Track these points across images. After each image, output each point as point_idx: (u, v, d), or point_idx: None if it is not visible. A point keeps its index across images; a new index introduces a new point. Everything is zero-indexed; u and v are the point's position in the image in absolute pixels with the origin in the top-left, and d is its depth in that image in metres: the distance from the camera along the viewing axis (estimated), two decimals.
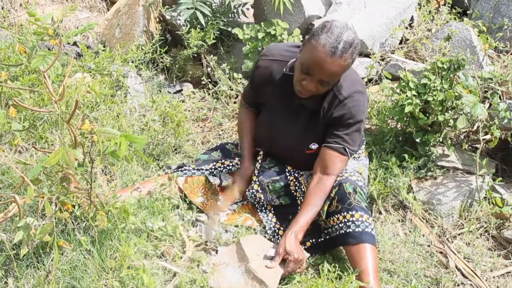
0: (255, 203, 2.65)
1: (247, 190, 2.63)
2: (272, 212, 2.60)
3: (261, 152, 2.68)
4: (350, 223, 2.27)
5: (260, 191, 2.59)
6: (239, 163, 2.70)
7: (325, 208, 2.35)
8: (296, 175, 2.61)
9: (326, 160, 2.37)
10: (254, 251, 2.26)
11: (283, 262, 2.23)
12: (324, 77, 2.15)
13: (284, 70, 2.41)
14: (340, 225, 2.30)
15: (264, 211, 2.61)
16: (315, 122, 2.41)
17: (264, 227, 2.54)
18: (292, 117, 2.46)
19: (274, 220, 2.55)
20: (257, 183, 2.59)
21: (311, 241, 2.43)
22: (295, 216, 2.39)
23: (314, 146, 2.45)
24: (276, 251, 2.25)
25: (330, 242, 2.38)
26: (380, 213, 2.83)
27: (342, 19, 3.66)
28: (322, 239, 2.42)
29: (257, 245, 2.31)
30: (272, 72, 2.45)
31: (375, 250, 2.27)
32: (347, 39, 2.10)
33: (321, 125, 2.40)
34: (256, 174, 2.62)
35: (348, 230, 2.27)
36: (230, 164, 2.71)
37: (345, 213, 2.29)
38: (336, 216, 2.32)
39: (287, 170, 2.63)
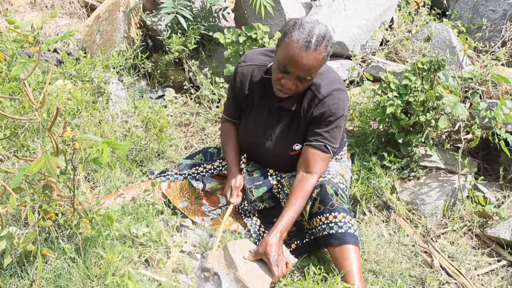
0: (239, 208, 2.63)
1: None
2: (256, 215, 2.60)
3: (243, 157, 2.67)
4: (333, 224, 2.27)
5: (244, 197, 2.58)
6: (220, 165, 2.70)
7: (307, 208, 2.35)
8: (279, 178, 2.62)
9: (308, 158, 2.38)
10: (241, 257, 2.25)
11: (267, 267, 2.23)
12: (301, 72, 2.16)
13: (264, 74, 2.42)
14: (322, 226, 2.30)
15: (248, 215, 2.61)
16: (296, 123, 2.42)
17: (249, 231, 2.53)
18: (274, 120, 2.46)
19: (258, 223, 2.55)
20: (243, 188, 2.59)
21: (296, 242, 2.42)
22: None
23: (297, 147, 2.46)
24: (256, 249, 2.26)
25: (314, 242, 2.38)
26: (364, 214, 2.84)
27: (320, 21, 3.73)
28: (307, 239, 2.41)
29: (244, 250, 2.29)
30: (251, 77, 2.47)
31: (358, 251, 2.27)
32: (320, 32, 2.12)
33: (303, 125, 2.41)
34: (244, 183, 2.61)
35: (331, 231, 2.27)
36: (212, 167, 2.69)
37: (328, 214, 2.28)
38: (318, 217, 2.32)
39: (269, 174, 2.62)
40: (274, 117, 2.46)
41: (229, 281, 2.17)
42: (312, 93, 2.33)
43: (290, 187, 2.44)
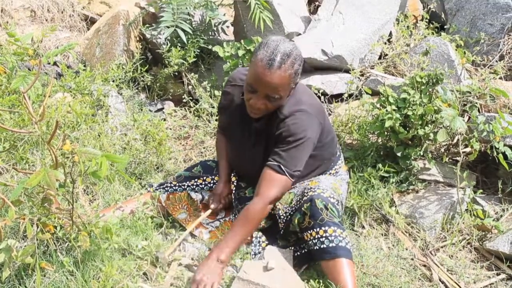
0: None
1: (231, 213, 2.65)
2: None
3: (234, 179, 2.68)
4: (323, 238, 2.24)
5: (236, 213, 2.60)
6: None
7: (295, 222, 2.32)
8: None
9: (261, 179, 2.34)
10: (261, 276, 2.18)
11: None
12: (268, 91, 2.18)
13: (241, 95, 2.42)
14: (314, 241, 2.26)
15: None
16: (272, 143, 2.39)
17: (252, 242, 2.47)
18: (252, 141, 2.47)
19: (263, 239, 2.49)
20: (236, 208, 2.60)
21: (297, 253, 2.42)
22: (281, 236, 2.45)
23: None
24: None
25: (308, 255, 2.37)
26: (363, 227, 2.83)
27: (318, 34, 3.74)
28: (304, 250, 2.40)
29: (255, 268, 2.22)
30: (234, 98, 2.51)
31: (352, 264, 2.24)
32: (285, 50, 2.15)
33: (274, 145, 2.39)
34: (234, 199, 2.63)
35: (322, 246, 2.24)
36: (212, 181, 2.70)
37: (318, 229, 2.25)
38: (309, 232, 2.28)
39: None
40: (253, 137, 2.47)
41: None
42: (276, 113, 2.33)
43: (281, 203, 2.43)
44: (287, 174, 2.30)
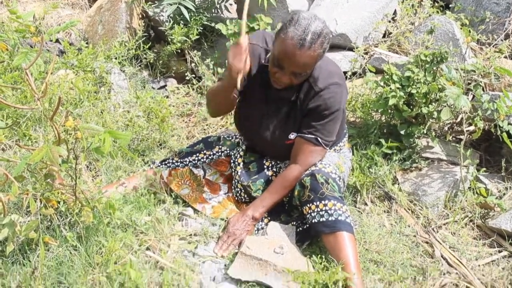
0: (239, 200, 2.66)
1: (233, 187, 2.66)
2: None
3: (241, 149, 2.69)
4: (323, 212, 2.26)
5: (243, 190, 2.61)
6: (219, 151, 2.74)
7: (296, 194, 2.38)
8: (275, 169, 2.62)
9: (297, 149, 2.41)
10: (266, 252, 2.23)
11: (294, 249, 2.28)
12: (295, 69, 2.17)
13: (263, 61, 2.41)
14: (312, 214, 2.28)
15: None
16: (293, 113, 2.42)
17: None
18: (271, 107, 2.46)
19: (265, 214, 2.52)
20: (240, 183, 2.61)
21: (299, 229, 2.43)
22: (284, 211, 2.50)
23: (292, 135, 2.46)
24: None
25: (308, 230, 2.38)
26: (366, 204, 2.84)
27: (322, 12, 3.70)
28: (306, 226, 2.42)
29: (259, 244, 2.27)
30: (258, 59, 2.43)
31: (353, 239, 2.25)
32: (315, 29, 2.11)
33: (299, 115, 2.41)
34: (239, 173, 2.63)
35: (321, 219, 2.26)
36: (212, 153, 2.73)
37: (318, 202, 2.27)
38: (308, 205, 2.30)
39: (265, 166, 2.64)
40: (272, 105, 2.45)
41: (274, 279, 2.16)
42: (309, 85, 2.33)
43: None
44: (323, 145, 2.39)
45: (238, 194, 2.64)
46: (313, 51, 2.11)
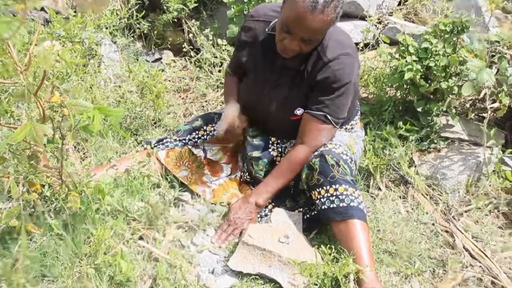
0: (242, 180, 2.64)
1: (239, 160, 2.68)
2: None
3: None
4: (333, 197, 2.18)
5: (245, 168, 2.61)
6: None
7: (304, 178, 2.31)
8: (280, 149, 2.56)
9: (304, 127, 2.35)
10: (270, 241, 2.18)
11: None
12: (306, 34, 2.08)
13: (267, 30, 2.35)
14: (322, 200, 2.21)
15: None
16: (299, 85, 2.34)
17: None
18: (276, 80, 2.39)
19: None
20: (243, 167, 2.63)
21: (306, 216, 2.38)
22: (289, 195, 2.45)
23: (299, 111, 2.38)
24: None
25: (319, 218, 2.32)
26: (379, 189, 2.77)
27: None
28: (314, 213, 2.37)
29: (262, 233, 2.21)
30: (257, 33, 2.40)
31: (366, 227, 2.18)
32: None
33: (305, 88, 2.34)
34: (244, 143, 2.61)
35: (331, 206, 2.18)
36: (212, 129, 2.68)
37: (328, 187, 2.20)
38: (317, 190, 2.23)
39: (271, 142, 2.57)
40: (276, 75, 2.38)
41: (279, 272, 2.11)
42: (318, 54, 2.25)
43: None
44: (333, 123, 2.31)
45: (244, 169, 2.63)
46: (326, 15, 2.01)
